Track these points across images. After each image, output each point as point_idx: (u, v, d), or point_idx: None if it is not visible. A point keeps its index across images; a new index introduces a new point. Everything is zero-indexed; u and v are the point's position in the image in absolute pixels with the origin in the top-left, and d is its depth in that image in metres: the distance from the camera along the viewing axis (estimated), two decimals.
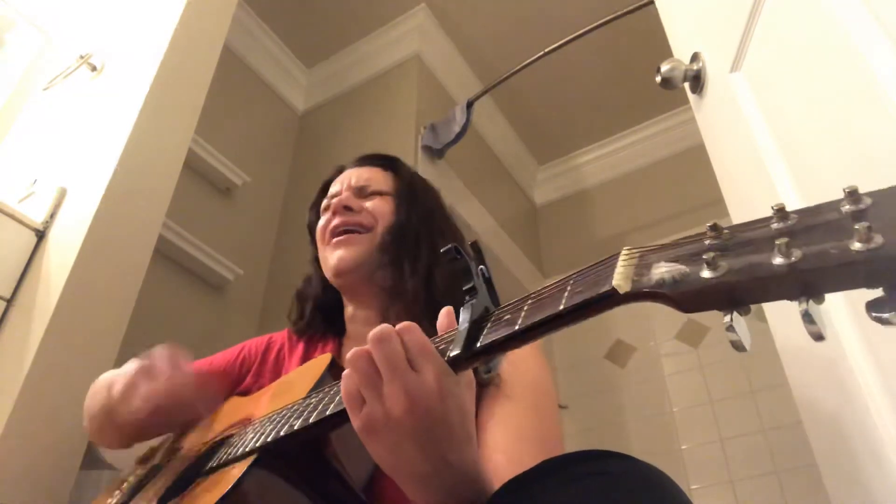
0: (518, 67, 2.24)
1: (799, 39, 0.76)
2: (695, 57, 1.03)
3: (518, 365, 0.80)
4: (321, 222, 1.01)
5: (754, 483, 2.12)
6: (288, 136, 2.74)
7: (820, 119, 0.73)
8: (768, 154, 0.83)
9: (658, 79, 1.05)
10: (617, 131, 3.11)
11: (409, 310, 0.88)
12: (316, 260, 1.05)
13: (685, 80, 1.05)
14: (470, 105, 2.28)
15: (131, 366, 0.87)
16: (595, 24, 2.07)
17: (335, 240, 0.96)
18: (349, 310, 0.99)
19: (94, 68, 1.69)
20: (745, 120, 0.88)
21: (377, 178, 1.03)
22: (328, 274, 0.97)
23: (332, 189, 1.04)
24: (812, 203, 0.77)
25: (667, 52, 1.14)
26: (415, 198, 1.01)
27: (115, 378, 0.88)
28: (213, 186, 2.26)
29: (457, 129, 2.25)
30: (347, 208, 0.97)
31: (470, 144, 2.51)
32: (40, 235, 1.33)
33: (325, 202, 1.03)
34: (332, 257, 0.95)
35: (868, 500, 0.70)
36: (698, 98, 1.05)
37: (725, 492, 2.15)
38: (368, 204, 0.98)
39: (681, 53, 1.10)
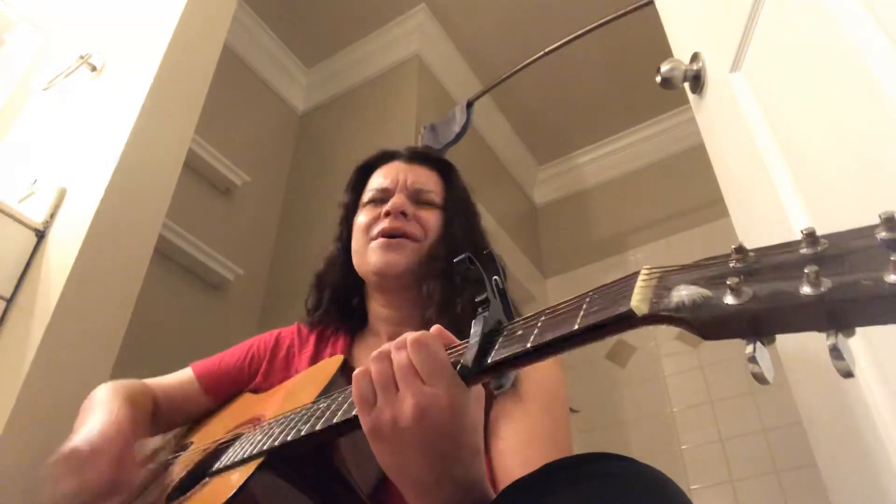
0: (518, 67, 2.23)
1: (799, 39, 0.76)
2: (695, 57, 1.03)
3: (534, 367, 0.80)
4: (366, 216, 0.98)
5: (754, 483, 2.12)
6: (288, 136, 2.73)
7: (820, 119, 0.73)
8: (768, 154, 0.83)
9: (658, 79, 1.05)
10: (617, 131, 3.10)
11: (453, 324, 0.87)
12: (339, 240, 1.03)
13: (685, 80, 1.05)
14: (470, 105, 2.28)
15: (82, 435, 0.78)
16: (595, 24, 2.07)
17: (385, 240, 0.94)
18: (374, 306, 0.98)
19: (94, 68, 1.69)
20: (745, 120, 0.88)
21: (431, 183, 1.01)
22: (366, 268, 0.95)
23: (381, 182, 1.01)
24: (811, 203, 0.77)
25: (667, 52, 1.14)
26: (463, 213, 1.00)
27: (93, 403, 0.85)
28: (213, 186, 2.26)
29: (457, 129, 2.25)
30: (403, 214, 0.95)
31: (470, 144, 2.51)
32: (40, 235, 1.33)
33: (371, 193, 1.00)
34: (380, 259, 0.93)
35: (868, 501, 0.70)
36: (698, 98, 1.05)
37: (725, 492, 2.15)
38: (421, 214, 0.97)
39: (681, 53, 1.10)
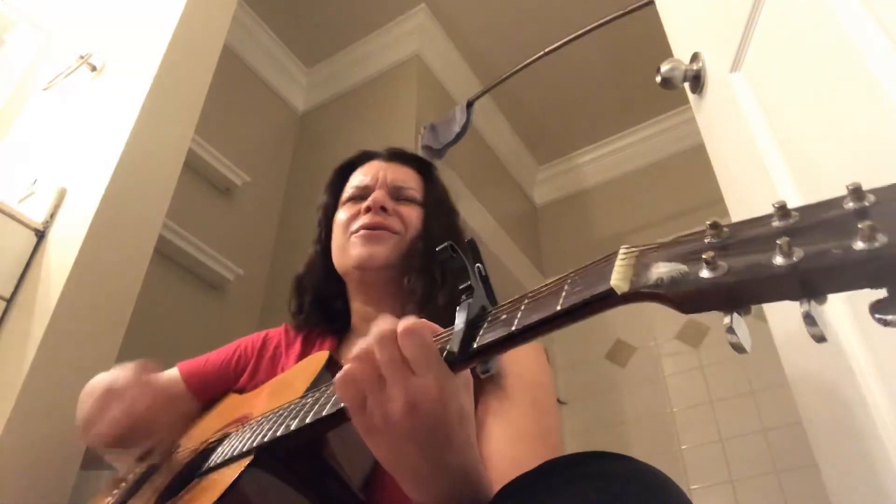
0: (518, 67, 2.23)
1: (799, 39, 0.76)
2: (695, 57, 1.03)
3: (516, 361, 0.80)
4: (345, 213, 0.98)
5: (754, 483, 2.12)
6: (288, 136, 2.74)
7: (820, 119, 0.73)
8: (768, 154, 0.83)
9: (658, 79, 1.05)
10: (617, 131, 3.11)
11: (435, 318, 0.87)
12: (319, 242, 1.03)
13: (685, 80, 1.05)
14: (470, 105, 2.28)
15: (113, 376, 0.86)
16: (595, 24, 2.07)
17: (366, 233, 0.94)
18: (357, 305, 0.98)
19: (94, 68, 1.69)
20: (745, 120, 0.88)
21: (411, 181, 1.02)
22: (347, 264, 0.95)
23: (361, 179, 1.01)
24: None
25: (667, 52, 1.14)
26: (443, 212, 1.01)
27: (95, 388, 0.88)
28: (213, 186, 2.26)
29: (457, 129, 2.25)
30: (383, 209, 0.96)
31: (470, 144, 2.51)
32: (40, 235, 1.33)
33: (351, 191, 1.01)
34: (361, 251, 0.93)
35: (868, 501, 0.70)
36: (698, 98, 1.05)
37: (725, 492, 2.15)
38: (401, 209, 0.97)
39: (681, 53, 1.10)
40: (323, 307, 1.00)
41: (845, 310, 0.68)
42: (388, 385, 0.52)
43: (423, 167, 1.07)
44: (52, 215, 1.36)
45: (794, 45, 0.77)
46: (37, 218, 1.35)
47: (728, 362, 2.33)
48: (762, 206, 0.89)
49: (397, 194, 0.99)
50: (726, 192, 1.00)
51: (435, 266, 0.91)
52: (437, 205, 1.01)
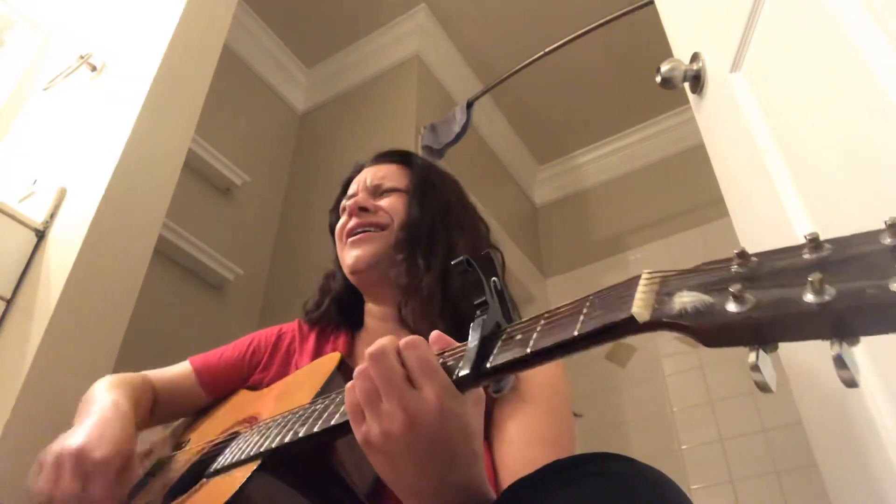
0: (518, 67, 2.23)
1: (799, 39, 0.76)
2: (695, 57, 1.03)
3: (536, 369, 0.80)
4: (340, 223, 1.01)
5: (754, 483, 2.12)
6: (288, 136, 2.73)
7: (820, 119, 0.73)
8: (768, 154, 0.83)
9: (658, 79, 1.05)
10: (617, 131, 3.10)
11: (424, 308, 0.88)
12: (337, 259, 1.05)
13: (685, 80, 1.05)
14: (470, 105, 2.28)
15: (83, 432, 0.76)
16: (595, 24, 2.07)
17: (351, 239, 0.96)
18: (367, 305, 1.00)
19: (94, 68, 1.69)
20: (745, 120, 0.88)
21: (392, 175, 1.03)
22: (346, 272, 0.98)
23: (350, 189, 1.05)
24: (811, 203, 0.77)
25: (667, 52, 1.14)
26: (430, 192, 1.01)
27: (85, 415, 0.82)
28: (213, 186, 2.26)
29: (457, 129, 2.25)
30: (363, 209, 0.97)
31: (470, 144, 2.51)
32: (40, 235, 1.33)
33: (343, 203, 1.03)
34: (349, 257, 0.96)
35: (868, 501, 0.70)
36: (698, 98, 1.05)
37: (725, 492, 2.15)
38: (383, 202, 0.98)
39: (681, 53, 1.10)
40: (341, 305, 1.02)
41: None
42: (383, 401, 0.52)
43: (402, 159, 1.08)
44: (52, 215, 1.36)
45: (794, 45, 0.77)
46: (37, 218, 1.35)
47: (728, 362, 2.33)
48: (762, 206, 0.89)
49: (377, 192, 1.01)
50: (726, 193, 1.00)
51: (419, 253, 0.92)
52: (421, 187, 1.01)
